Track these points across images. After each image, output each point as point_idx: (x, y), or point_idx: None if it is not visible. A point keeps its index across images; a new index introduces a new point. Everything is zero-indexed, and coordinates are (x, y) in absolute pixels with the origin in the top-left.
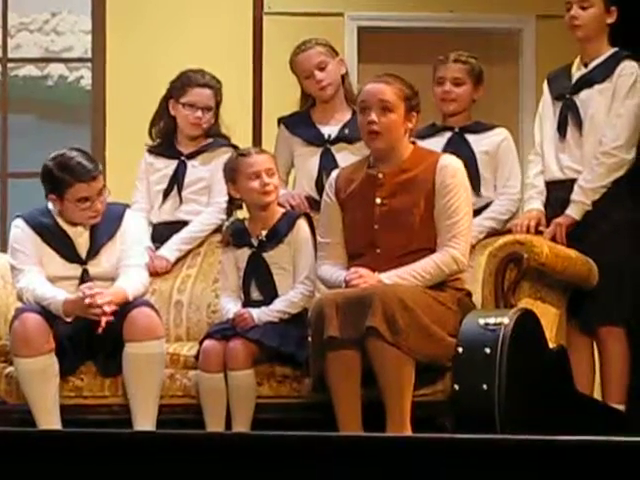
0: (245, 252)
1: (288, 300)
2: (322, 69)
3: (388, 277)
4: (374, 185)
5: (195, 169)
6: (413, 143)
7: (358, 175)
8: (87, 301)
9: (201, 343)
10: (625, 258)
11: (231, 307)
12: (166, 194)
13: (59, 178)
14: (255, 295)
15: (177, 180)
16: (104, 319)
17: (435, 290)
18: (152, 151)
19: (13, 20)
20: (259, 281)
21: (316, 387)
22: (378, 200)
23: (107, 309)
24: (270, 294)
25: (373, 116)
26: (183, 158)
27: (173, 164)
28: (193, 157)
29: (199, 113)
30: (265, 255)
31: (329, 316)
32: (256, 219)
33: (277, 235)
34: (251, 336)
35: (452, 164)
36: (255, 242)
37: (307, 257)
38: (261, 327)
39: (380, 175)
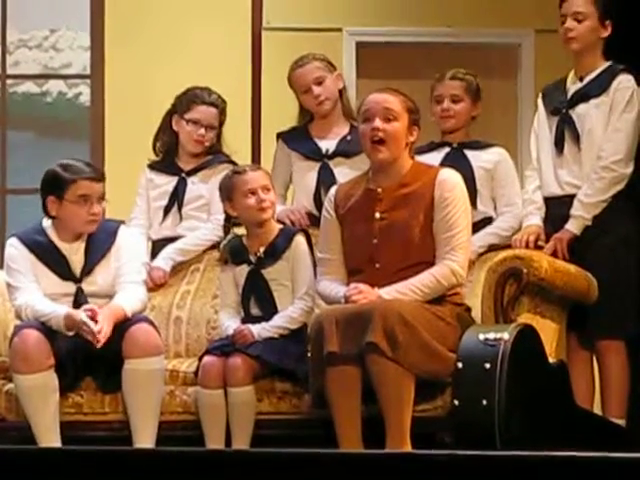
0: (244, 269)
1: (287, 316)
2: (320, 84)
3: (387, 292)
4: (373, 200)
5: (195, 186)
6: (412, 158)
7: (357, 190)
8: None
9: (200, 359)
10: (625, 273)
11: (230, 323)
12: (166, 211)
13: (61, 177)
14: (255, 311)
15: (177, 197)
16: (99, 343)
17: (435, 305)
18: (153, 167)
19: (12, 37)
20: (258, 297)
21: (316, 403)
22: (377, 215)
23: (101, 338)
24: (269, 310)
25: (377, 123)
26: (183, 175)
27: (173, 180)
28: (193, 174)
29: (202, 131)
30: (264, 272)
31: (328, 332)
32: (254, 236)
33: (275, 251)
34: (251, 352)
35: (451, 178)
36: (253, 259)
37: (306, 273)
38: (261, 343)
39: (379, 190)
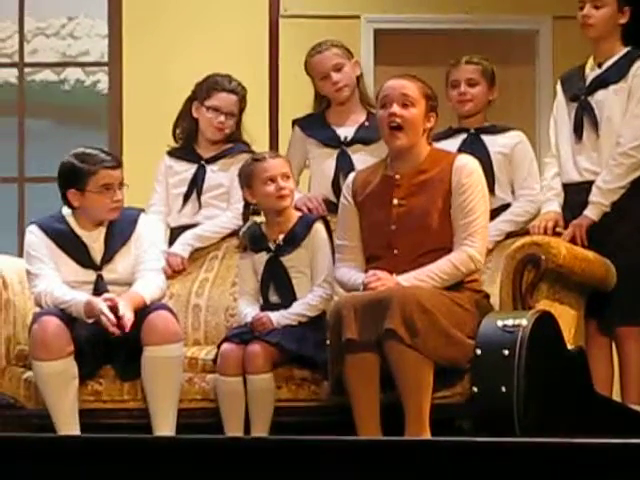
0: (263, 256)
1: (306, 303)
2: (338, 70)
3: (406, 279)
4: (391, 186)
5: (214, 174)
6: (430, 145)
7: (375, 177)
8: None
9: (219, 347)
10: None
11: (249, 311)
12: (186, 198)
13: (81, 169)
14: (274, 299)
15: (196, 184)
16: (117, 331)
17: (453, 292)
18: (172, 154)
19: (30, 25)
20: (277, 285)
21: (335, 390)
22: (395, 201)
23: (126, 325)
24: (288, 297)
25: (395, 108)
26: (202, 162)
27: (192, 168)
28: (212, 162)
29: (222, 118)
30: (283, 259)
31: (347, 319)
32: (273, 223)
33: (294, 239)
34: (270, 339)
35: (469, 164)
36: (272, 246)
37: (325, 260)
38: (280, 330)
39: (397, 176)
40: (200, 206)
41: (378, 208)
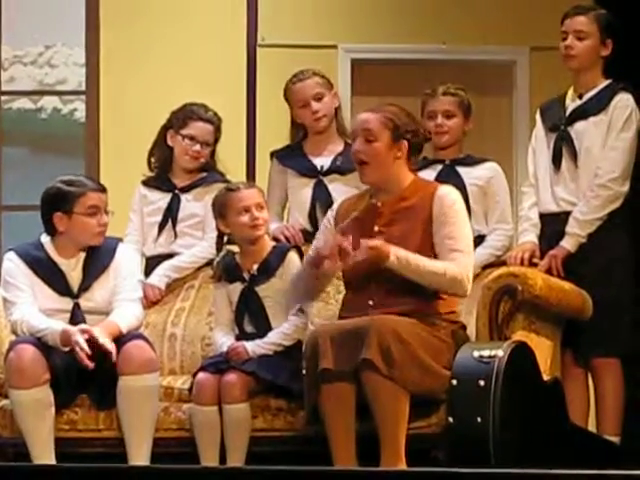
0: (237, 287)
1: (282, 332)
2: (318, 100)
3: (397, 252)
4: (374, 214)
5: (189, 203)
6: (413, 172)
7: (360, 205)
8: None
9: (195, 376)
10: (620, 290)
11: (225, 341)
12: (161, 227)
13: (68, 192)
14: (249, 328)
15: (171, 213)
16: (90, 365)
17: (430, 323)
18: (146, 183)
19: (7, 53)
20: (252, 315)
21: (310, 420)
22: (376, 228)
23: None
24: (263, 327)
25: (358, 145)
26: (177, 191)
27: (167, 197)
28: (187, 191)
29: (198, 147)
30: (257, 289)
31: (323, 348)
32: (247, 253)
33: (268, 269)
34: (246, 368)
35: (451, 194)
36: (247, 276)
37: None
38: (255, 360)
39: (379, 204)
40: (175, 235)
41: (360, 235)
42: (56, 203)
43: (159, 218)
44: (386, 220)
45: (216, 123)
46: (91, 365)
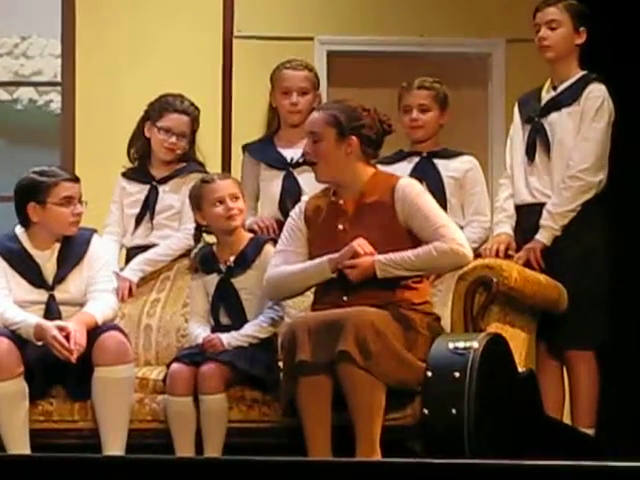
0: (214, 278)
1: (257, 325)
2: (302, 94)
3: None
4: (336, 212)
5: (166, 195)
6: (374, 167)
7: (324, 203)
8: (59, 348)
9: (169, 367)
10: (595, 282)
11: (200, 332)
12: (139, 219)
13: (41, 182)
14: (224, 320)
15: (149, 205)
16: (72, 358)
17: (405, 315)
18: (126, 175)
19: None
20: (228, 306)
21: (286, 411)
22: (340, 226)
23: (74, 357)
24: (239, 319)
25: (306, 146)
26: (155, 183)
27: (145, 189)
28: (164, 182)
29: (174, 139)
30: (234, 281)
31: (301, 340)
32: (224, 245)
33: (245, 261)
34: (222, 358)
35: (410, 185)
36: (223, 268)
37: None
38: (231, 351)
39: (341, 202)
40: (153, 227)
41: (326, 234)
42: (29, 194)
43: (137, 210)
44: (349, 218)
45: (193, 114)
46: (73, 359)
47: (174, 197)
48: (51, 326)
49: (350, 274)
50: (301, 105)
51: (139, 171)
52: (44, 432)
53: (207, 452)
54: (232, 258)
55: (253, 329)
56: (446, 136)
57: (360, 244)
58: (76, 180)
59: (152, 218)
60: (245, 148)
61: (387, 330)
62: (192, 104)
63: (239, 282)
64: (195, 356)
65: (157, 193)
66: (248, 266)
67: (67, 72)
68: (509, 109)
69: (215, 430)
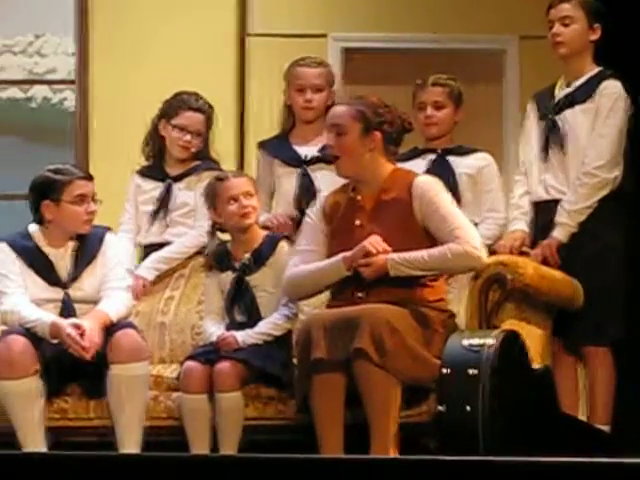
0: (229, 276)
1: (272, 322)
2: (317, 91)
3: (394, 256)
4: (355, 208)
5: (180, 192)
6: (393, 163)
7: (343, 199)
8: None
9: (182, 364)
10: (611, 279)
11: (215, 330)
12: (154, 217)
13: (56, 180)
14: (239, 318)
15: (164, 203)
16: (87, 356)
17: (420, 312)
18: (141, 172)
19: None
20: (243, 304)
21: (301, 408)
22: (357, 222)
23: (89, 354)
24: (254, 317)
25: (329, 139)
26: (169, 181)
27: (160, 186)
28: (179, 180)
29: (188, 137)
30: (248, 278)
31: (316, 338)
32: (238, 242)
33: (260, 258)
34: (237, 356)
35: (428, 183)
36: (238, 265)
37: None
38: (245, 348)
39: (359, 197)
40: (167, 225)
41: (343, 230)
42: (44, 191)
43: (152, 207)
44: (367, 214)
45: (207, 112)
46: (88, 356)
47: (189, 195)
48: (66, 324)
49: (364, 272)
50: (315, 102)
51: (154, 169)
52: (60, 430)
53: (223, 450)
54: (247, 256)
55: (268, 327)
56: (460, 132)
57: (372, 242)
58: (90, 178)
59: (166, 215)
60: (260, 145)
61: (402, 327)
62: (207, 102)
63: (254, 280)
64: (209, 354)
65: (172, 191)
66: (263, 264)
67: (81, 70)
68: (523, 106)
69: (231, 428)
